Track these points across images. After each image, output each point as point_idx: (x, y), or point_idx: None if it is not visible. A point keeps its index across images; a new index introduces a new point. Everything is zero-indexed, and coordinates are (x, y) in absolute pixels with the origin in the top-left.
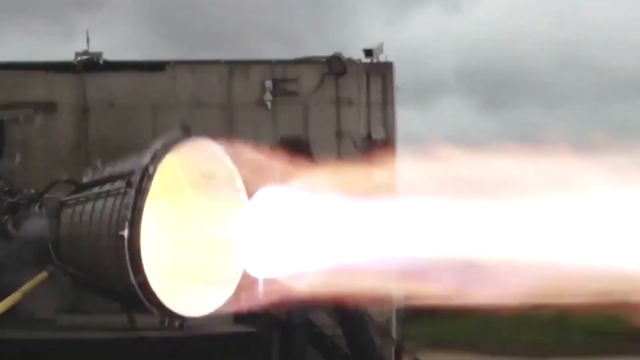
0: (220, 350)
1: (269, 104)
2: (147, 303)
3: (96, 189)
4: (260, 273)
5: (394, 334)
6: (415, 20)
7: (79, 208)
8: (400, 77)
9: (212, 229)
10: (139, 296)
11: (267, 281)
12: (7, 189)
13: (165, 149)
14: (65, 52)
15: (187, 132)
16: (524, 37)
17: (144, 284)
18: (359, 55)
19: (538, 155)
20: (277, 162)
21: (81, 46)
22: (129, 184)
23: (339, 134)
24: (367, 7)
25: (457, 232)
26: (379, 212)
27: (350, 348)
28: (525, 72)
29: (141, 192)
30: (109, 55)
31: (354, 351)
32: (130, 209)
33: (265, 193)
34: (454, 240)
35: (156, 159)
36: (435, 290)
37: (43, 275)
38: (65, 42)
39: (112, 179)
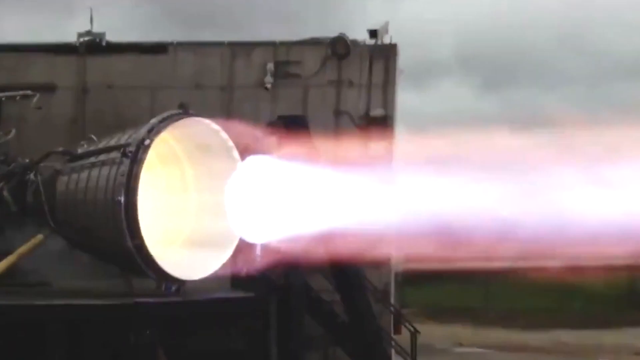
0: (218, 316)
1: (269, 86)
2: (144, 266)
3: (92, 159)
4: (256, 238)
5: (392, 300)
6: (415, 1)
7: (74, 176)
8: (400, 58)
9: (208, 196)
10: (135, 259)
11: (264, 245)
12: (2, 158)
13: (162, 123)
14: (64, 31)
15: (185, 110)
16: (524, 18)
17: (141, 247)
18: (362, 36)
19: (535, 132)
20: (273, 137)
21: (81, 25)
22: (124, 154)
23: (337, 113)
24: None
25: (453, 198)
26: (375, 179)
27: (348, 315)
28: (525, 52)
29: (137, 162)
30: (110, 35)
31: (352, 319)
32: (125, 176)
33: (256, 160)
34: (450, 205)
35: (153, 132)
36: (432, 254)
37: (39, 238)
38: (65, 19)
39: (107, 149)
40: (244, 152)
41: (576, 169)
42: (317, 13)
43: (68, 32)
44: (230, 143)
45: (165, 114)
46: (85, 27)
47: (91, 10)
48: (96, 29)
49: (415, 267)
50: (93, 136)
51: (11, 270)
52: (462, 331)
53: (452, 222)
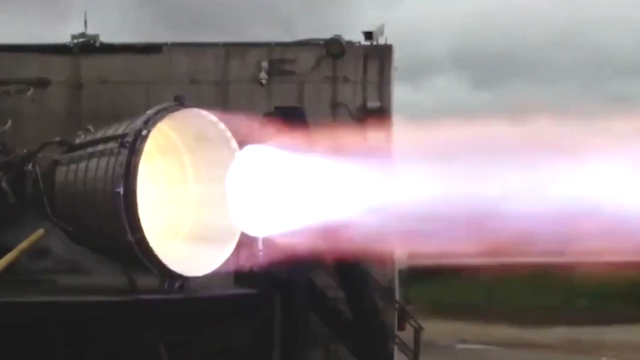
0: (221, 313)
1: (264, 81)
2: (145, 261)
3: (90, 149)
4: (258, 232)
5: (396, 297)
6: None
7: (73, 166)
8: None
9: (209, 187)
10: (137, 254)
11: (266, 239)
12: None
13: (159, 114)
14: (58, 34)
15: (181, 102)
16: (517, 15)
17: (142, 241)
18: (357, 38)
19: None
20: (271, 128)
21: (74, 28)
22: (122, 145)
23: (334, 105)
24: None
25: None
26: (375, 171)
27: (352, 312)
28: (517, 50)
29: (135, 152)
30: (104, 37)
31: (356, 316)
32: (124, 167)
33: (254, 150)
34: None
35: (149, 122)
36: (436, 248)
37: (40, 232)
38: (58, 23)
39: (105, 139)
40: (242, 142)
41: (575, 164)
42: (311, 17)
43: (62, 36)
44: (228, 133)
45: (161, 106)
46: (78, 30)
47: (85, 13)
48: (90, 31)
49: (420, 263)
50: (90, 127)
51: (12, 265)
52: (465, 328)
53: (454, 216)
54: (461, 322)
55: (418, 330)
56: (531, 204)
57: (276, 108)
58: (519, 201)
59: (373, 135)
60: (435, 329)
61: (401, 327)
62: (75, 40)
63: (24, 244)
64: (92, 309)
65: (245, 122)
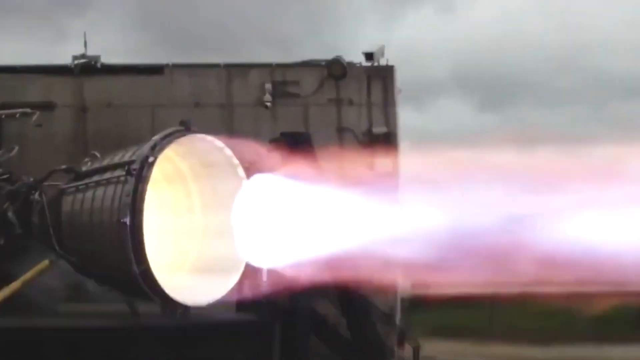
0: (222, 339)
1: (269, 104)
2: (149, 293)
3: (96, 177)
4: (263, 263)
5: (397, 321)
6: (410, 21)
7: (79, 196)
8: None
9: (215, 217)
10: (141, 286)
11: (270, 270)
12: (6, 176)
13: (166, 140)
14: (55, 55)
15: (187, 127)
16: (521, 38)
17: (147, 273)
18: (358, 58)
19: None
20: (277, 155)
21: (72, 49)
22: (129, 172)
23: (340, 130)
24: (361, 9)
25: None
26: (381, 200)
27: (352, 336)
28: (521, 72)
29: (142, 180)
30: (104, 58)
31: (356, 339)
32: (131, 196)
33: (262, 179)
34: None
35: (156, 148)
36: (440, 280)
37: (44, 263)
38: (55, 45)
39: (112, 167)
40: (249, 169)
41: (580, 188)
42: (307, 37)
43: (60, 57)
44: (235, 160)
45: (167, 131)
46: (77, 51)
47: (85, 34)
48: (90, 52)
49: (422, 292)
50: (96, 153)
51: (15, 297)
52: (466, 347)
53: (458, 244)
54: (462, 342)
55: (417, 348)
56: (544, 232)
57: (282, 134)
58: (530, 229)
59: (380, 162)
60: (436, 347)
61: (400, 346)
62: (76, 61)
63: (28, 275)
64: (93, 334)
65: (251, 148)
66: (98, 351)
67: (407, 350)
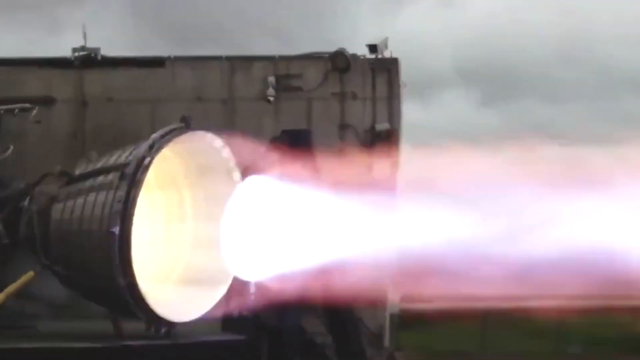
0: (208, 358)
1: (272, 99)
2: (134, 306)
3: (89, 182)
4: (250, 276)
5: (386, 342)
6: (411, 13)
7: (70, 203)
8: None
9: (205, 225)
10: (126, 299)
11: (258, 284)
12: None
13: (164, 139)
14: (52, 48)
15: (187, 123)
16: (526, 29)
17: (132, 286)
18: (361, 51)
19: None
20: (275, 155)
21: (69, 41)
22: (122, 177)
23: (342, 127)
24: (361, 1)
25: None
26: (376, 208)
27: (339, 357)
28: (525, 65)
29: (135, 185)
30: (104, 50)
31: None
32: (122, 202)
33: (255, 183)
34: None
35: (154, 149)
36: (431, 293)
37: (29, 275)
38: (51, 37)
39: (105, 170)
40: (246, 171)
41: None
42: (308, 29)
43: (58, 49)
44: (232, 163)
45: (166, 129)
46: (75, 43)
47: (84, 25)
48: (89, 44)
49: (412, 307)
50: (94, 152)
51: None
52: None
53: (452, 259)
54: None
55: None
56: (543, 243)
57: (283, 132)
58: (530, 240)
59: (378, 166)
60: None
61: None
62: (76, 54)
63: (12, 287)
64: (76, 356)
65: (251, 147)
66: None
67: None
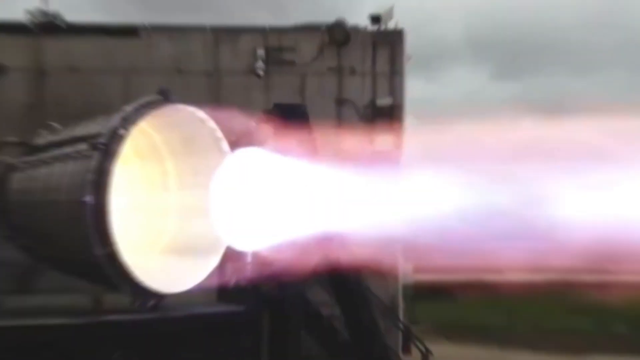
0: (201, 334)
1: (261, 73)
2: (116, 278)
3: (54, 152)
4: (245, 245)
5: (400, 315)
6: None
7: (32, 172)
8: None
9: (193, 195)
10: (106, 271)
11: (255, 252)
12: None
13: (139, 111)
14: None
15: (166, 96)
16: None
17: (113, 256)
18: (363, 22)
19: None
20: (268, 127)
21: (23, 2)
22: (94, 147)
23: (339, 102)
24: None
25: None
26: (379, 179)
27: (349, 332)
28: (546, 33)
29: (109, 155)
30: (67, 16)
31: (354, 336)
32: (95, 173)
33: (246, 154)
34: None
35: (128, 121)
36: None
37: None
38: None
39: (73, 140)
40: (235, 144)
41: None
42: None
43: (7, 11)
44: (219, 134)
45: (142, 101)
46: (30, 5)
47: None
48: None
49: (427, 279)
50: (55, 124)
51: None
52: (480, 353)
53: (466, 228)
54: (475, 346)
55: (426, 355)
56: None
57: (275, 105)
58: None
59: (380, 140)
60: (445, 353)
61: (406, 350)
62: (33, 18)
63: None
64: (49, 332)
65: (240, 120)
66: (58, 353)
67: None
